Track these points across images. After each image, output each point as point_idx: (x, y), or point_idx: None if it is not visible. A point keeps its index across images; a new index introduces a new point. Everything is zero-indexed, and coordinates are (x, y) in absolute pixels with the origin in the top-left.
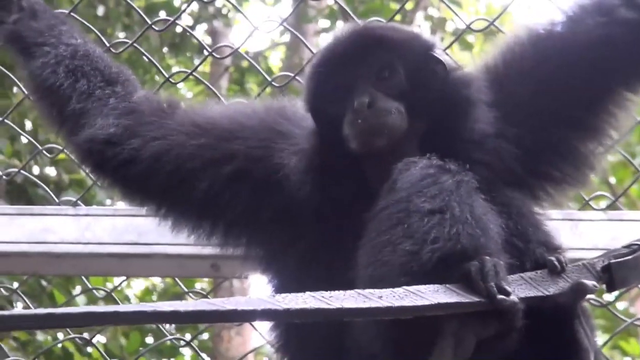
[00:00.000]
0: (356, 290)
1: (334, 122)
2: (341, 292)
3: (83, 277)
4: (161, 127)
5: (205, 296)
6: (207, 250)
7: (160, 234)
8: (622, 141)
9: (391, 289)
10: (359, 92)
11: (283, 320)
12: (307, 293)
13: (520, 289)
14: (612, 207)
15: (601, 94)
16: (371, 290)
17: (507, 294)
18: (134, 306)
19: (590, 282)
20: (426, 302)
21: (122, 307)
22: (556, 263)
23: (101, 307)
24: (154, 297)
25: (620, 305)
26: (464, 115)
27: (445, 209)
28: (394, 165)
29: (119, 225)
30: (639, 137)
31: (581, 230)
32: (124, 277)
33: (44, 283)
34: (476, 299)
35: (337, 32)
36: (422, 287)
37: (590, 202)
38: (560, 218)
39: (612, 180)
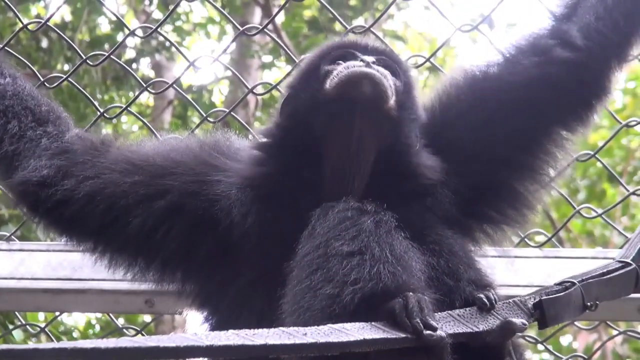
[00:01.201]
0: (280, 328)
1: (316, 88)
2: (265, 329)
3: (17, 312)
4: (94, 166)
5: (139, 332)
6: (142, 286)
7: (95, 270)
8: (562, 178)
9: (316, 327)
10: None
11: (206, 357)
12: (230, 331)
13: (448, 325)
14: (549, 244)
15: (539, 134)
16: (296, 328)
17: (434, 329)
18: (55, 344)
19: (519, 321)
20: (352, 339)
21: (42, 345)
22: (485, 300)
23: (21, 345)
24: (97, 329)
25: (565, 340)
26: (414, 156)
27: (364, 250)
28: (319, 208)
29: (53, 260)
30: (582, 173)
31: (517, 267)
32: (58, 313)
33: None
34: (403, 335)
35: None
36: (347, 325)
37: (528, 239)
38: (497, 255)
39: (554, 215)
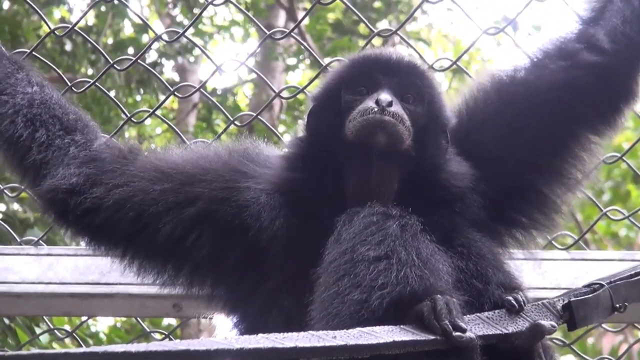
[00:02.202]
0: (310, 332)
1: (337, 119)
2: (295, 333)
3: (45, 317)
4: (123, 174)
5: (167, 335)
6: (170, 290)
7: (123, 274)
8: (589, 180)
9: (345, 330)
10: (384, 92)
11: (237, 359)
12: (260, 335)
13: (477, 327)
14: (575, 246)
15: (566, 138)
16: (325, 332)
17: (463, 330)
18: (85, 348)
19: (548, 323)
20: (381, 341)
21: (73, 350)
22: (514, 302)
23: (53, 350)
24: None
25: (589, 341)
26: (442, 169)
27: (391, 254)
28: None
29: (81, 265)
30: (606, 175)
31: (544, 269)
32: (86, 317)
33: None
34: (432, 337)
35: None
36: (376, 328)
37: (555, 241)
38: (524, 258)
39: (580, 217)
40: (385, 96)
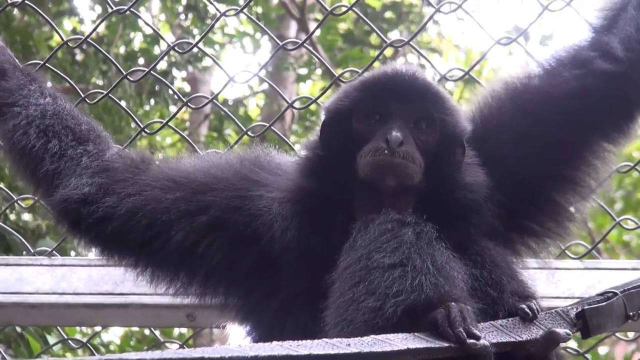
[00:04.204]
0: (324, 339)
1: (348, 146)
2: (309, 341)
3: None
4: (135, 184)
5: (181, 345)
6: (184, 300)
7: (136, 284)
8: (602, 189)
9: (359, 338)
10: (396, 126)
11: None
12: (274, 342)
13: (491, 335)
14: (588, 255)
15: (580, 146)
16: (339, 339)
17: (477, 338)
18: (100, 356)
19: (563, 331)
20: (395, 348)
21: (88, 358)
22: (527, 310)
23: (68, 359)
24: (132, 343)
25: (602, 350)
26: (457, 185)
27: (406, 262)
28: (361, 220)
29: (94, 275)
30: (618, 184)
31: (557, 278)
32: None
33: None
34: (446, 344)
35: (394, 65)
36: (390, 336)
37: (568, 250)
38: (537, 267)
39: (592, 225)
40: (395, 135)
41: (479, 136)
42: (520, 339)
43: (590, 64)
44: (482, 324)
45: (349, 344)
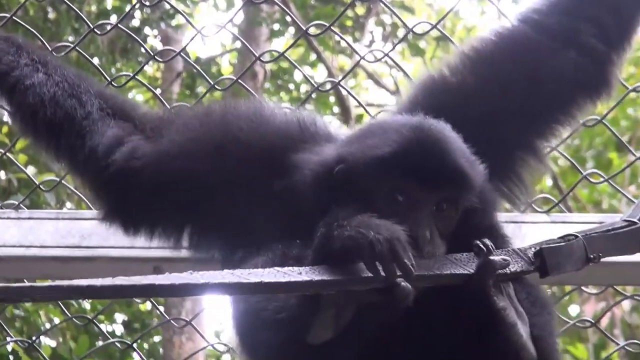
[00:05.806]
0: (275, 267)
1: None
2: (260, 269)
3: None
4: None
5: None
6: (150, 253)
7: (103, 237)
8: (568, 146)
9: (310, 267)
10: (423, 221)
11: (202, 294)
12: (226, 270)
13: (444, 267)
14: (557, 209)
15: (551, 110)
16: (291, 268)
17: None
18: (51, 283)
19: (498, 258)
20: (348, 277)
21: (39, 284)
22: (481, 246)
23: (18, 284)
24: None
25: (573, 310)
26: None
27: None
28: None
29: (62, 228)
30: (588, 143)
31: (524, 232)
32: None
33: None
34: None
35: (426, 131)
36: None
37: (537, 206)
38: (504, 220)
39: (562, 184)
40: (424, 233)
41: (472, 91)
42: (470, 272)
43: (572, 37)
44: (439, 256)
45: (301, 272)
